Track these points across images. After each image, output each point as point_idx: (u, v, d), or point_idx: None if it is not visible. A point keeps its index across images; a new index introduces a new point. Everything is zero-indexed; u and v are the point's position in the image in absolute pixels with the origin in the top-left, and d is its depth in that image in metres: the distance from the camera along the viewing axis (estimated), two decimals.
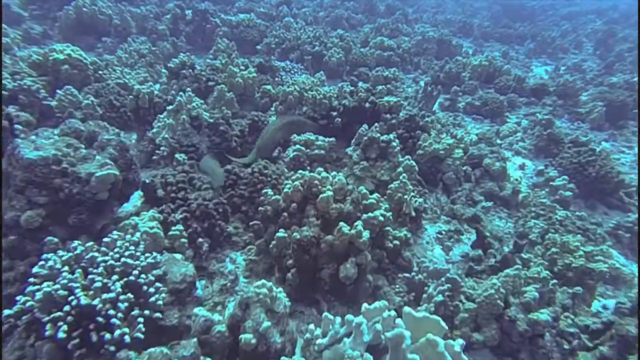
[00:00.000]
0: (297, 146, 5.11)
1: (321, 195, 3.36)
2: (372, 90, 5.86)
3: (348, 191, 3.73)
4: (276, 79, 8.08)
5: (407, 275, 3.53)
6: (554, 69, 12.36)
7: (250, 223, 3.98)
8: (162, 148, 4.70)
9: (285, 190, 3.66)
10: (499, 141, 6.70)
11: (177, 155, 4.57)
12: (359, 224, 3.32)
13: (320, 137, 5.31)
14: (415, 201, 4.46)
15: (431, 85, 8.09)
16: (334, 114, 5.75)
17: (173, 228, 3.52)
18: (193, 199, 3.77)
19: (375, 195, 3.83)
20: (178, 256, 3.39)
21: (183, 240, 3.51)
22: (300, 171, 3.77)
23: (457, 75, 9.18)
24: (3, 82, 4.92)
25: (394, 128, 5.65)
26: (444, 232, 4.74)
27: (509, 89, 9.23)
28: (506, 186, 5.55)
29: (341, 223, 3.30)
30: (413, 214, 4.37)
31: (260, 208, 3.80)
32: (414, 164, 5.02)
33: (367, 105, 5.66)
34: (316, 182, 3.60)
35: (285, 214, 3.66)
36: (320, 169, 3.81)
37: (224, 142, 5.06)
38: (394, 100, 5.76)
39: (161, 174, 3.87)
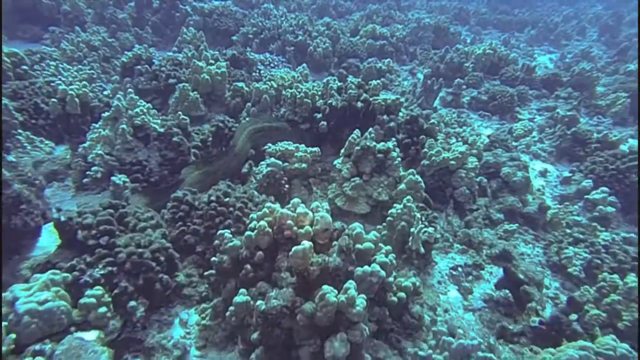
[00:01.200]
0: (272, 159, 4.05)
1: (295, 249, 2.32)
2: (365, 86, 4.80)
3: (335, 231, 2.70)
4: (253, 74, 6.98)
5: (421, 354, 2.52)
6: (560, 57, 11.38)
7: (205, 273, 2.94)
8: (94, 168, 3.61)
9: (248, 233, 2.61)
10: (514, 143, 5.70)
11: (114, 178, 3.50)
12: (351, 286, 2.29)
13: (302, 147, 4.26)
14: (424, 232, 3.45)
15: (431, 78, 7.06)
16: (319, 115, 4.69)
17: (88, 293, 2.47)
18: (123, 246, 2.71)
19: (373, 234, 2.80)
20: (92, 336, 2.35)
21: (102, 309, 2.46)
22: (268, 204, 2.72)
23: (459, 65, 8.15)
24: None
25: (392, 133, 4.61)
26: (459, 268, 3.74)
27: (516, 80, 8.23)
28: (529, 200, 4.57)
29: (325, 287, 2.27)
30: (422, 250, 3.36)
31: (213, 258, 2.75)
32: (420, 179, 4.00)
33: (359, 104, 4.61)
34: (289, 221, 2.56)
35: (247, 265, 2.63)
36: (296, 200, 2.76)
37: (179, 157, 3.99)
38: (391, 98, 4.71)
39: (78, 211, 2.79)
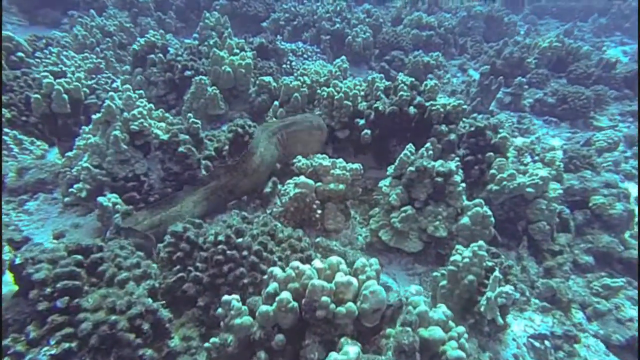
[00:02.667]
0: (302, 178, 3.21)
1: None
2: (419, 87, 3.86)
3: (389, 309, 1.84)
4: (283, 66, 6.14)
5: None
6: None
7: (205, 344, 2.15)
8: (77, 186, 2.89)
9: (263, 309, 1.79)
10: (597, 159, 4.60)
11: (101, 199, 2.76)
12: None
13: (339, 162, 3.40)
14: (501, 297, 2.51)
15: (489, 77, 6.00)
16: (361, 122, 3.80)
17: None
18: (90, 310, 1.95)
19: (441, 311, 1.92)
20: None
21: None
22: (295, 265, 1.89)
23: (520, 61, 7.00)
24: None
25: (452, 148, 3.68)
26: (542, 337, 2.80)
27: (588, 78, 7.00)
28: (630, 241, 3.53)
29: None
30: (500, 321, 2.45)
31: (213, 340, 1.95)
32: (489, 212, 3.07)
33: (412, 110, 3.68)
34: (324, 298, 1.72)
35: (262, 353, 1.81)
36: (335, 260, 1.91)
37: (185, 171, 3.22)
38: (452, 103, 3.76)
39: (30, 256, 2.04)
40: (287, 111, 4.08)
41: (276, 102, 4.28)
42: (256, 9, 7.71)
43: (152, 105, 3.19)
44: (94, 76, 4.50)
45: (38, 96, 3.22)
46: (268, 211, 3.35)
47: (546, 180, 3.39)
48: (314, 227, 3.34)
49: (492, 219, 3.10)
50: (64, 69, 4.24)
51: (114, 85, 4.82)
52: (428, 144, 3.30)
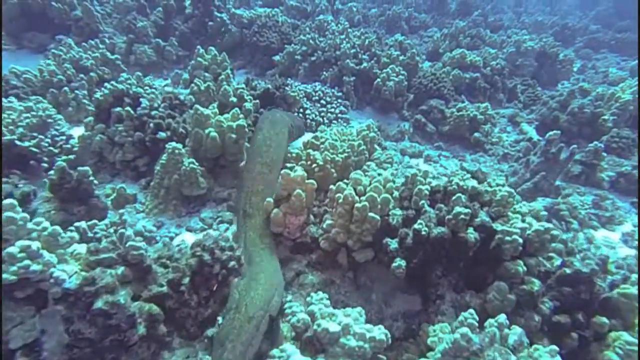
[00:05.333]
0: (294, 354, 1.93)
1: None
2: (482, 196, 2.55)
3: None
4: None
5: None
6: None
7: None
8: None
9: None
10: None
11: None
12: None
13: (356, 323, 2.10)
14: None
15: (557, 144, 4.62)
16: (392, 245, 2.51)
17: None
18: None
19: None
20: None
21: None
22: None
23: (592, 117, 5.58)
24: None
25: (532, 301, 2.33)
26: None
27: None
28: None
29: None
30: None
31: None
32: None
33: (471, 235, 2.37)
34: None
35: None
36: None
37: (107, 337, 1.99)
38: (535, 227, 2.43)
39: None
40: (286, 213, 2.81)
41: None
42: (269, 38, 6.57)
43: (56, 228, 1.99)
44: (35, 135, 3.38)
45: None
46: None
47: None
48: None
49: None
50: None
51: (71, 142, 3.71)
52: (493, 293, 1.97)
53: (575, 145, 4.53)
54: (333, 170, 3.21)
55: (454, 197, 2.41)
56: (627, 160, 5.11)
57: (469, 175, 2.71)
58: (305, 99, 5.37)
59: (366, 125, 3.68)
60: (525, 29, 12.40)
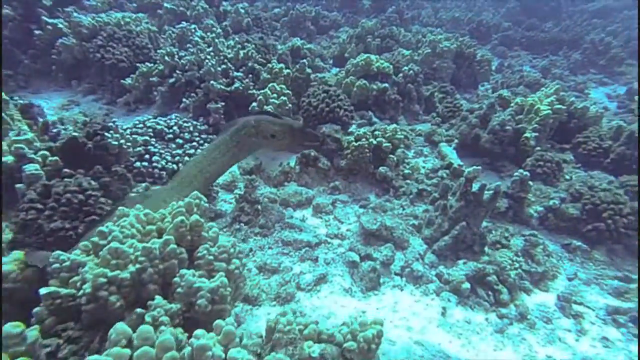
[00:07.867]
0: None
1: None
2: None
3: None
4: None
5: None
6: (627, 92, 7.95)
7: None
8: None
9: None
10: None
11: None
12: None
13: None
14: None
15: (479, 183, 3.59)
16: None
17: None
18: None
19: None
20: None
21: None
22: None
23: (515, 135, 4.68)
24: None
25: None
26: None
27: (605, 156, 4.85)
28: None
29: None
30: None
31: None
32: None
33: None
34: None
35: None
36: None
37: None
38: None
39: None
40: None
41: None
42: (115, 55, 4.94)
43: None
44: None
45: None
46: None
47: None
48: None
49: None
50: None
51: None
52: None
53: (499, 183, 3.51)
54: (115, 300, 1.82)
55: None
56: (553, 189, 4.25)
57: None
58: (153, 139, 3.91)
59: (188, 199, 2.29)
60: (443, 26, 11.83)
